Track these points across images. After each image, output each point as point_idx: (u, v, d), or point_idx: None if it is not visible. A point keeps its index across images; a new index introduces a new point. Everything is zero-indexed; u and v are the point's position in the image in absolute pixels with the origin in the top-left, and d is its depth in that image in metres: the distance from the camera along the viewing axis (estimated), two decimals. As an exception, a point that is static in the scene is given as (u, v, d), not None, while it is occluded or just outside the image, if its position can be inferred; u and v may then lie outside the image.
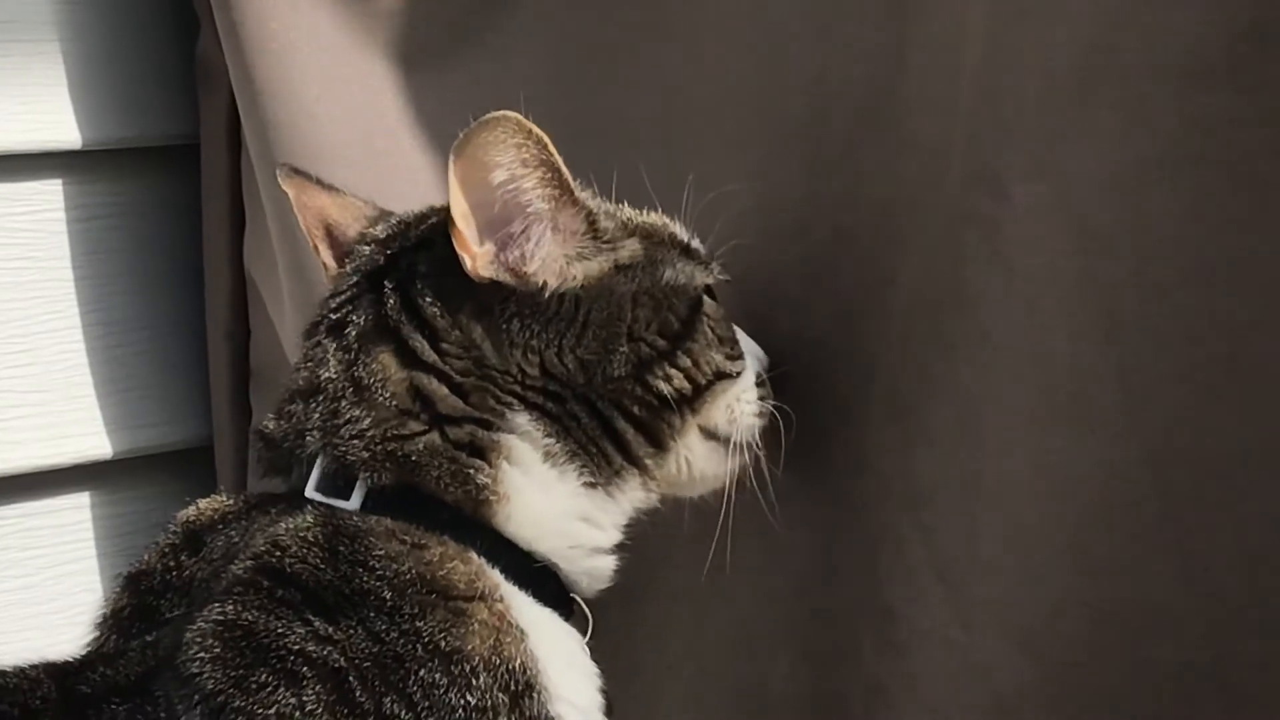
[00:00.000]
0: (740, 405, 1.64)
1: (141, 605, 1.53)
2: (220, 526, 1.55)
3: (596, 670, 1.57)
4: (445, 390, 1.54)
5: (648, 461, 1.60)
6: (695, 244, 1.68)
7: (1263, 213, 1.50)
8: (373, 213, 1.72)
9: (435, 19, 2.08)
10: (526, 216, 1.55)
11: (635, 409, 1.58)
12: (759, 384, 1.68)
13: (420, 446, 1.52)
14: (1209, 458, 1.57)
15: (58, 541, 2.30)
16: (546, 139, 1.54)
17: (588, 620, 1.61)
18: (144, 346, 2.33)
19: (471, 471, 1.53)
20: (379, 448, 1.52)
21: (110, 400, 2.29)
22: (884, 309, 1.73)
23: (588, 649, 1.58)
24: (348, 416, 1.53)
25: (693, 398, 1.61)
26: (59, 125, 2.23)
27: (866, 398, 1.74)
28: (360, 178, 2.05)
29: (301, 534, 1.47)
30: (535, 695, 1.47)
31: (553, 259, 1.57)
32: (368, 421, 1.53)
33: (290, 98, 2.09)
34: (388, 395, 1.53)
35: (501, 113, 1.51)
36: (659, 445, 1.60)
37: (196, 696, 1.40)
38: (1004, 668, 1.67)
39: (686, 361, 1.60)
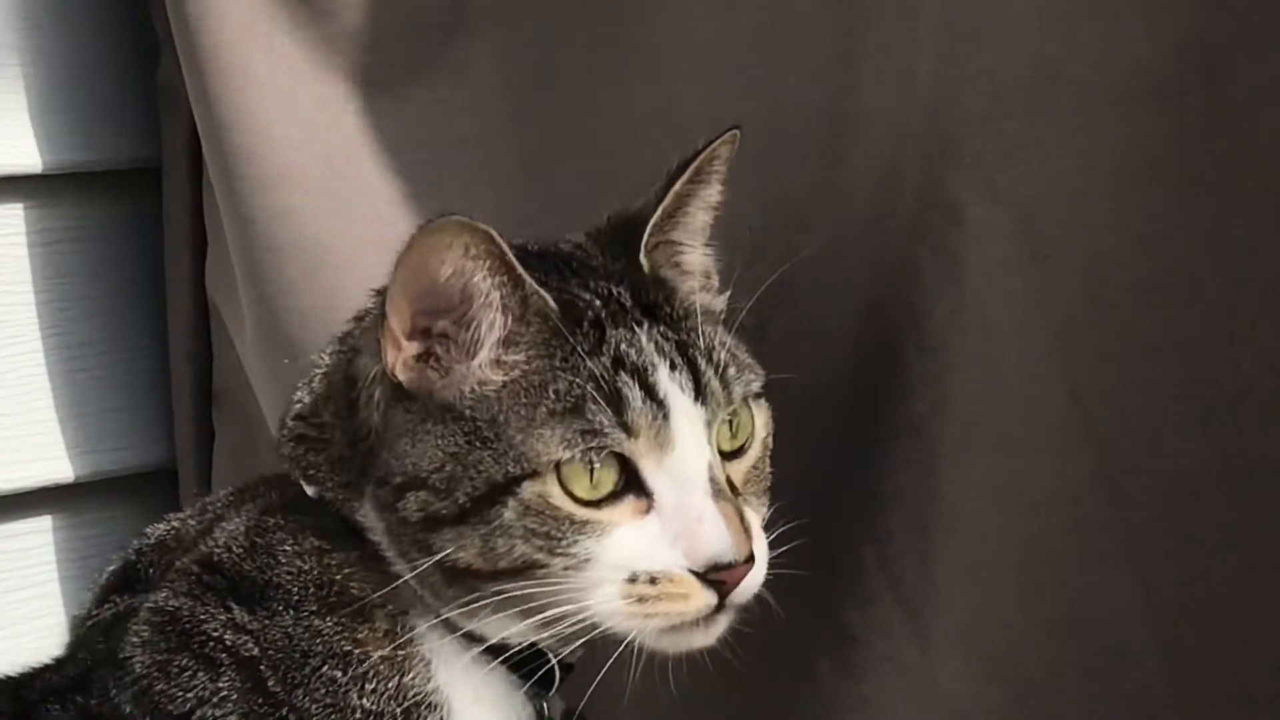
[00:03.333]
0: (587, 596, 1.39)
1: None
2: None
3: (527, 710, 1.49)
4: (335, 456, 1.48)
5: None
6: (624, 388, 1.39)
7: (1211, 231, 1.51)
8: None
9: (395, 42, 2.07)
10: (459, 321, 1.43)
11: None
12: (650, 582, 1.38)
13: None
14: (1163, 475, 1.57)
15: (19, 565, 2.28)
16: (496, 238, 1.39)
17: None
18: (106, 370, 2.31)
19: None
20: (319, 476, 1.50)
21: (72, 424, 2.28)
22: (838, 330, 1.73)
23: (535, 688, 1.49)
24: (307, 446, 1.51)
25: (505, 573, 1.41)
26: (20, 149, 2.21)
27: (821, 421, 1.74)
28: (320, 200, 2.05)
29: (232, 527, 1.49)
30: (433, 714, 1.44)
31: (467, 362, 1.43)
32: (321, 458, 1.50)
33: (250, 121, 2.08)
34: (326, 453, 1.49)
35: (451, 217, 1.38)
36: None
37: (127, 679, 1.43)
38: (963, 691, 1.67)
39: (477, 542, 1.40)
